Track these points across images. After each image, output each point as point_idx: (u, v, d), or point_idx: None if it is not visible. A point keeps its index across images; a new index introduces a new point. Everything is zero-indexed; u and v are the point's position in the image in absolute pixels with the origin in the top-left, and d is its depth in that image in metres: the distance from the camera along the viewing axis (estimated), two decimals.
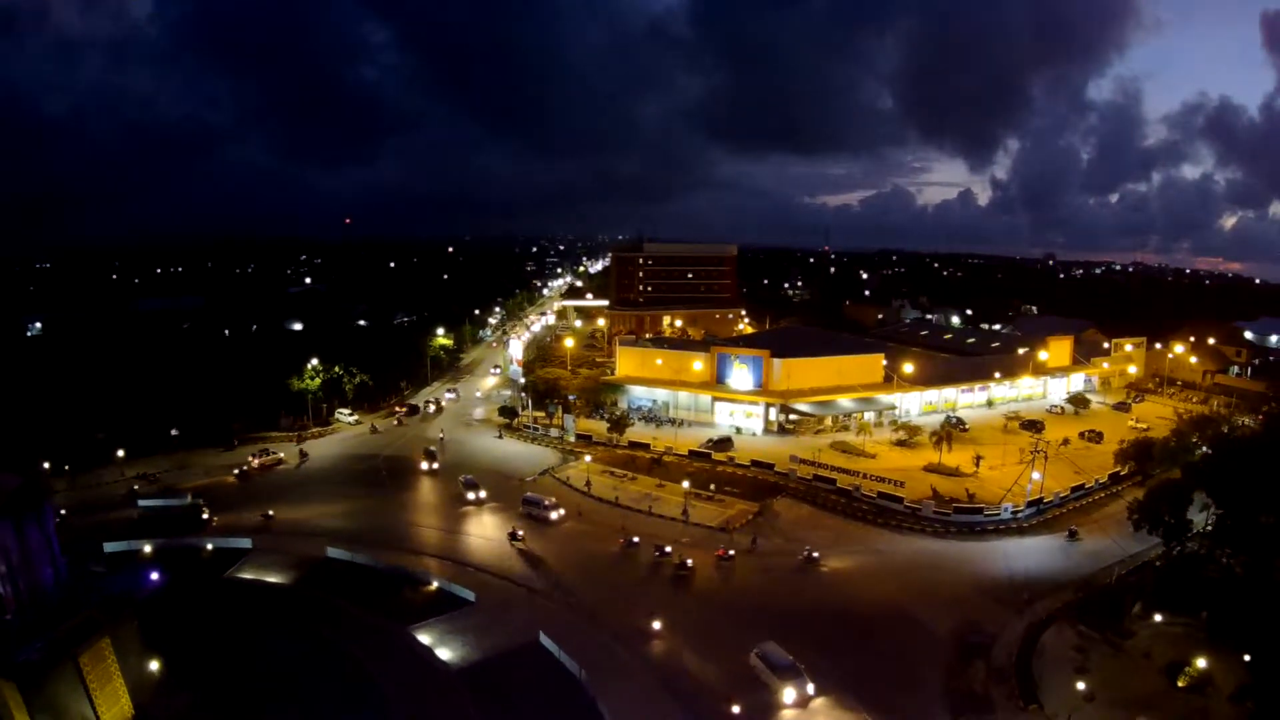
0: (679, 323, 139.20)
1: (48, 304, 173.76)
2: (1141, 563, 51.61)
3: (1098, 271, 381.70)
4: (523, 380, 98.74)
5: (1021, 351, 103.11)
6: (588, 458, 74.85)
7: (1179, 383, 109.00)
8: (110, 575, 41.47)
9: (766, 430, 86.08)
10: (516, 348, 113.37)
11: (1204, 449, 62.33)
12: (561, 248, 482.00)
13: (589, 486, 67.19)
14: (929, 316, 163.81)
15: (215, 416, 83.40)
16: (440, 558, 54.26)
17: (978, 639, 43.54)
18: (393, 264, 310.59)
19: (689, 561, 51.71)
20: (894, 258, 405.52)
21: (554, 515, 59.94)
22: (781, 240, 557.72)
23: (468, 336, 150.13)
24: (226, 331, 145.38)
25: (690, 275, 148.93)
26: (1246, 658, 38.19)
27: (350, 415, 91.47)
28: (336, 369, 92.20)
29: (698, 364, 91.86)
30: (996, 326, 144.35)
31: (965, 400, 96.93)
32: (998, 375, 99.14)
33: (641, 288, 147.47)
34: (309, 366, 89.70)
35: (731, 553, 53.69)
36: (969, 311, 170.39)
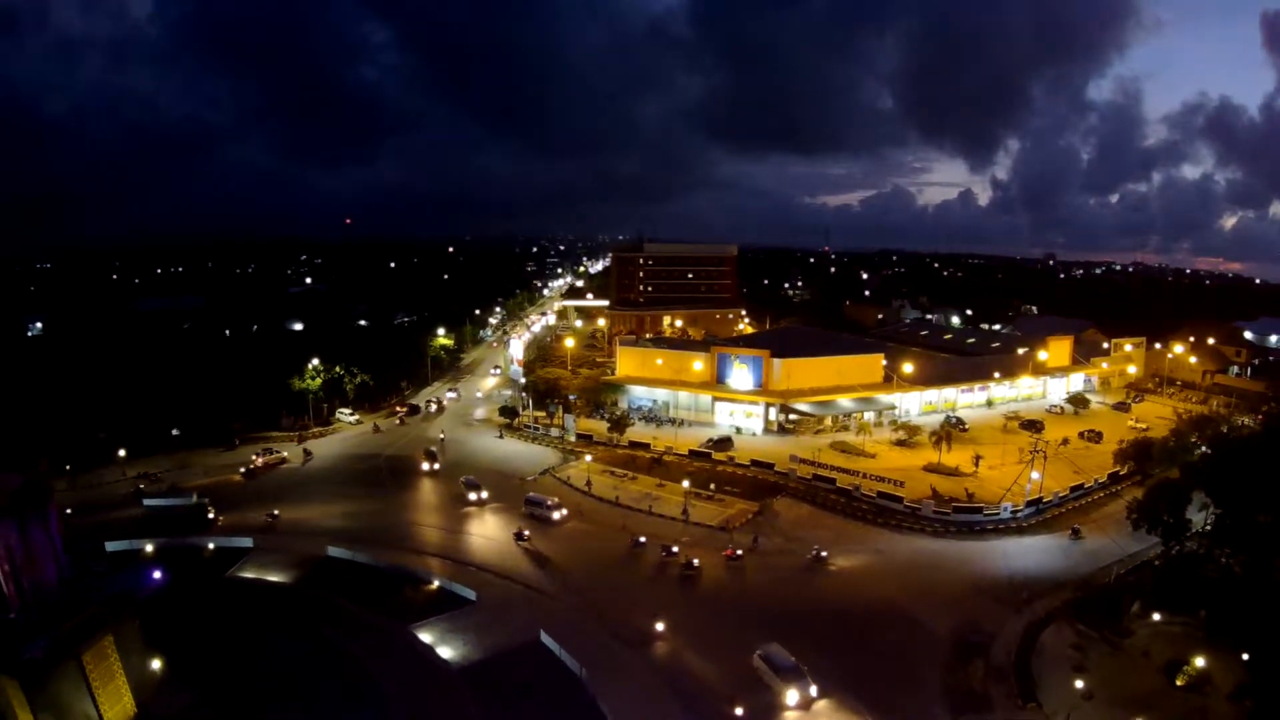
0: (679, 323, 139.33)
1: (48, 304, 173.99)
2: (1140, 562, 51.75)
3: (1098, 271, 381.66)
4: (523, 380, 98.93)
5: (1021, 351, 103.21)
6: (588, 457, 75.01)
7: (1178, 383, 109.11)
8: (113, 574, 41.54)
9: (766, 430, 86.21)
10: (517, 348, 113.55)
11: (1203, 449, 62.47)
12: (562, 248, 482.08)
13: (589, 486, 67.32)
14: (929, 316, 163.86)
15: (216, 416, 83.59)
16: (444, 558, 54.35)
17: (977, 638, 43.67)
18: (393, 264, 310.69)
19: (695, 561, 51.79)
20: (894, 258, 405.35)
21: (556, 515, 60.04)
22: (781, 240, 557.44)
23: (468, 336, 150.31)
24: (227, 331, 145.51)
25: (690, 275, 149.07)
26: (1245, 656, 38.35)
27: (351, 415, 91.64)
28: (337, 369, 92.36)
29: (698, 364, 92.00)
30: (996, 326, 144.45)
31: (965, 400, 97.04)
32: (997, 375, 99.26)
33: (642, 288, 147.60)
34: (310, 366, 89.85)
35: (740, 552, 53.77)
36: (969, 311, 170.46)
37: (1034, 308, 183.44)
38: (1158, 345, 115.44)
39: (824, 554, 53.68)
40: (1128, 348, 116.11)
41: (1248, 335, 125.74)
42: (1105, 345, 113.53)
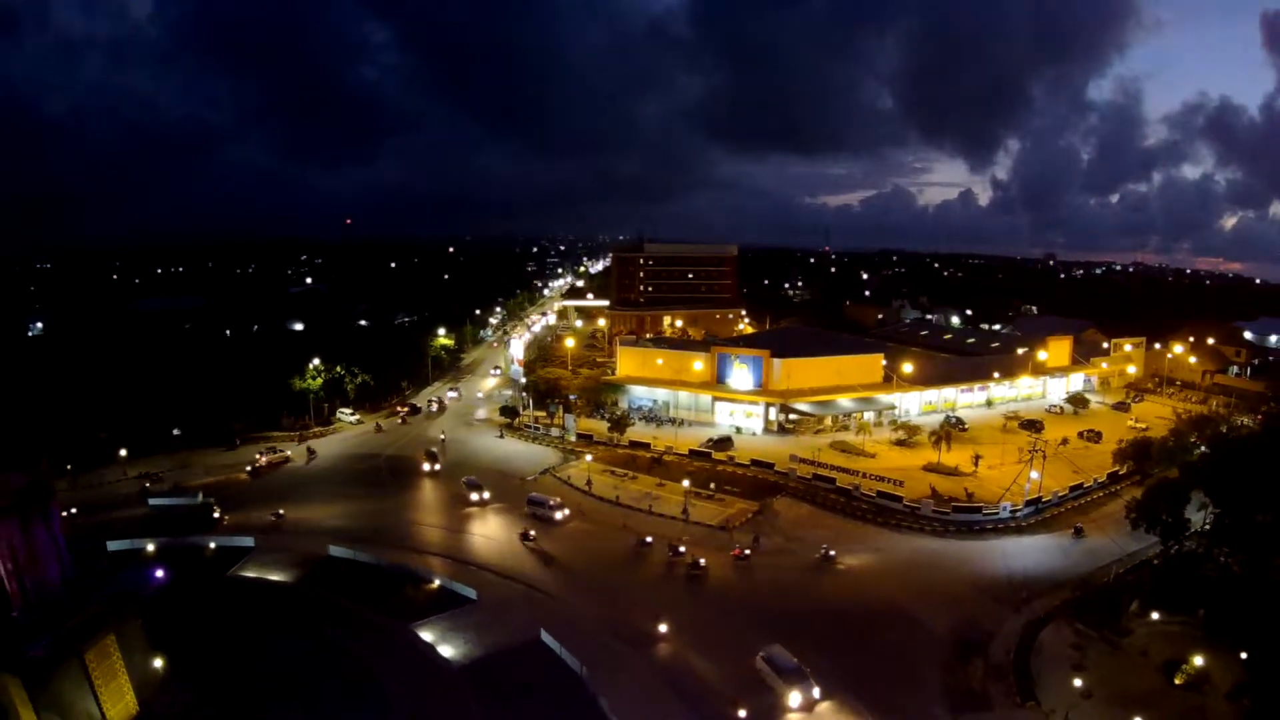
0: (679, 323, 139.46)
1: (49, 304, 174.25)
2: (1139, 561, 51.85)
3: (1098, 272, 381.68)
4: (524, 380, 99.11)
5: (1021, 351, 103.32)
6: (588, 457, 75.19)
7: (1178, 383, 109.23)
8: (115, 573, 41.71)
9: (766, 430, 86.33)
10: (517, 348, 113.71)
11: (1202, 449, 62.61)
12: (562, 248, 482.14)
13: (590, 486, 67.44)
14: (929, 316, 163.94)
15: (216, 416, 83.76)
16: (447, 557, 54.48)
17: (976, 637, 43.79)
18: (393, 264, 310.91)
19: (702, 561, 51.85)
20: (894, 258, 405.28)
21: (559, 515, 60.13)
22: (781, 240, 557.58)
23: (469, 336, 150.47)
24: (227, 331, 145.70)
25: (691, 275, 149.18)
26: (1243, 655, 38.45)
27: (352, 415, 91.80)
28: (338, 369, 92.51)
29: (698, 364, 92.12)
30: (996, 326, 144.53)
31: (965, 400, 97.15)
32: (997, 375, 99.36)
33: (642, 288, 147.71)
34: (310, 366, 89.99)
35: (748, 552, 53.80)
36: (969, 311, 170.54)
37: (1034, 308, 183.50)
38: (1157, 345, 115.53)
39: (832, 553, 53.79)
40: (1127, 348, 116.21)
41: (1247, 335, 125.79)
42: (1105, 345, 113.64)
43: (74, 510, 58.84)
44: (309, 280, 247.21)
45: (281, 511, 60.79)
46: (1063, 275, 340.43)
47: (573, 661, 40.25)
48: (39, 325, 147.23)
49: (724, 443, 78.51)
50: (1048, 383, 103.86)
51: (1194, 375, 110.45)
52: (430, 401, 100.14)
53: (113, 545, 53.58)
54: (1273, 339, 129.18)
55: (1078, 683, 38.50)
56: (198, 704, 37.11)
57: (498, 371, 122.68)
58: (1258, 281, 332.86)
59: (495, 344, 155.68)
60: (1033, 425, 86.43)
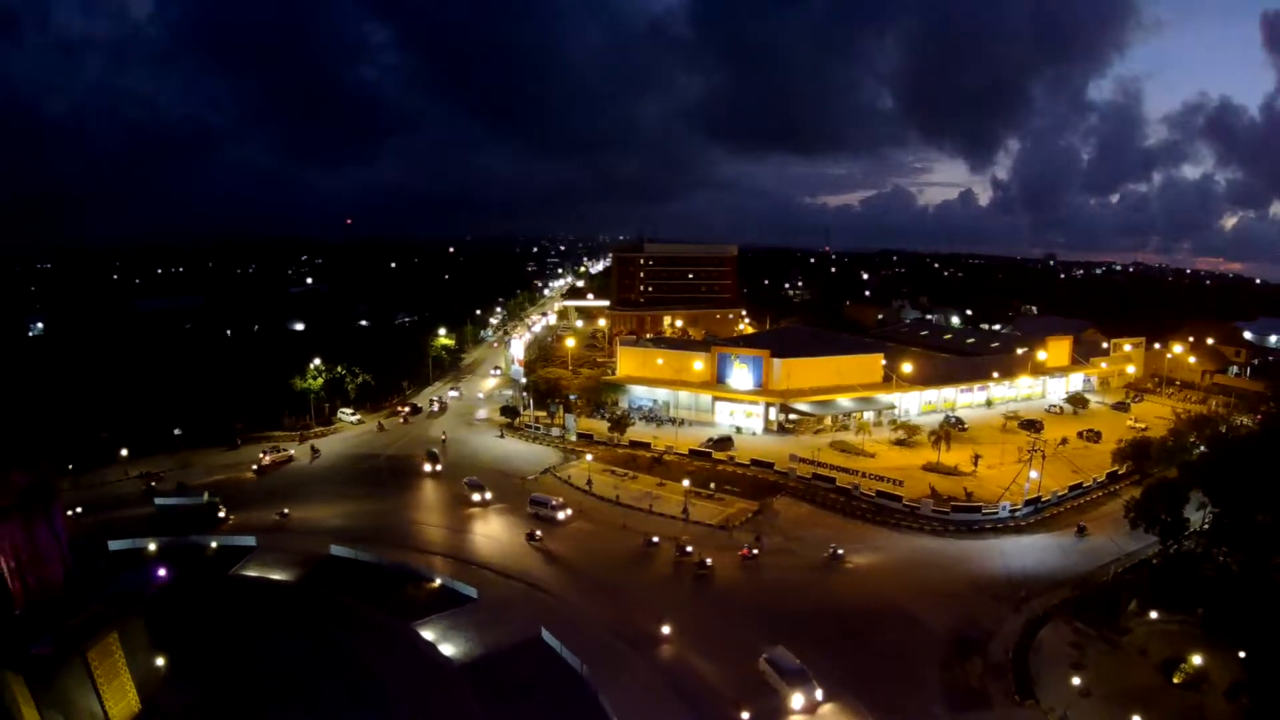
0: (679, 323, 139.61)
1: (49, 304, 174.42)
2: (1138, 561, 51.98)
3: (1098, 272, 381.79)
4: (524, 380, 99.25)
5: (1020, 351, 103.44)
6: (589, 457, 75.34)
7: (1178, 383, 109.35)
8: (118, 572, 41.86)
9: (766, 430, 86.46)
10: (518, 348, 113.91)
11: (1201, 449, 62.74)
12: (562, 248, 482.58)
13: (590, 485, 67.57)
14: (929, 317, 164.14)
15: (217, 416, 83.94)
16: (450, 557, 54.59)
17: (976, 636, 43.92)
18: (394, 264, 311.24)
19: (709, 561, 51.93)
20: (894, 258, 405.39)
21: (561, 515, 60.22)
22: (782, 240, 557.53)
23: (469, 336, 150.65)
24: (228, 332, 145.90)
25: (691, 275, 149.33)
26: (1242, 654, 38.56)
27: (352, 415, 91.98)
28: (339, 369, 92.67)
29: (698, 364, 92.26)
30: (996, 327, 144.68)
31: (964, 400, 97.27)
32: (997, 375, 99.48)
33: (642, 288, 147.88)
34: (311, 366, 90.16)
35: (756, 552, 53.85)
36: (969, 312, 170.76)
37: (1034, 308, 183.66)
38: (1157, 345, 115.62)
39: (840, 551, 53.90)
40: (1127, 348, 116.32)
41: (1247, 335, 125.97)
42: (1105, 345, 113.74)
43: (80, 510, 59.09)
44: (309, 280, 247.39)
45: (286, 511, 60.98)
46: (1063, 275, 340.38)
47: (573, 659, 40.37)
48: (39, 325, 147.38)
49: (724, 442, 78.63)
50: (1047, 383, 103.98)
51: (1194, 375, 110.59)
52: (431, 401, 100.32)
53: (114, 545, 53.71)
54: (1272, 339, 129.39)
55: (1076, 681, 38.63)
56: (199, 703, 37.22)
57: (498, 371, 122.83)
58: (1258, 281, 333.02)
59: (496, 344, 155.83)
60: (1032, 425, 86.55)
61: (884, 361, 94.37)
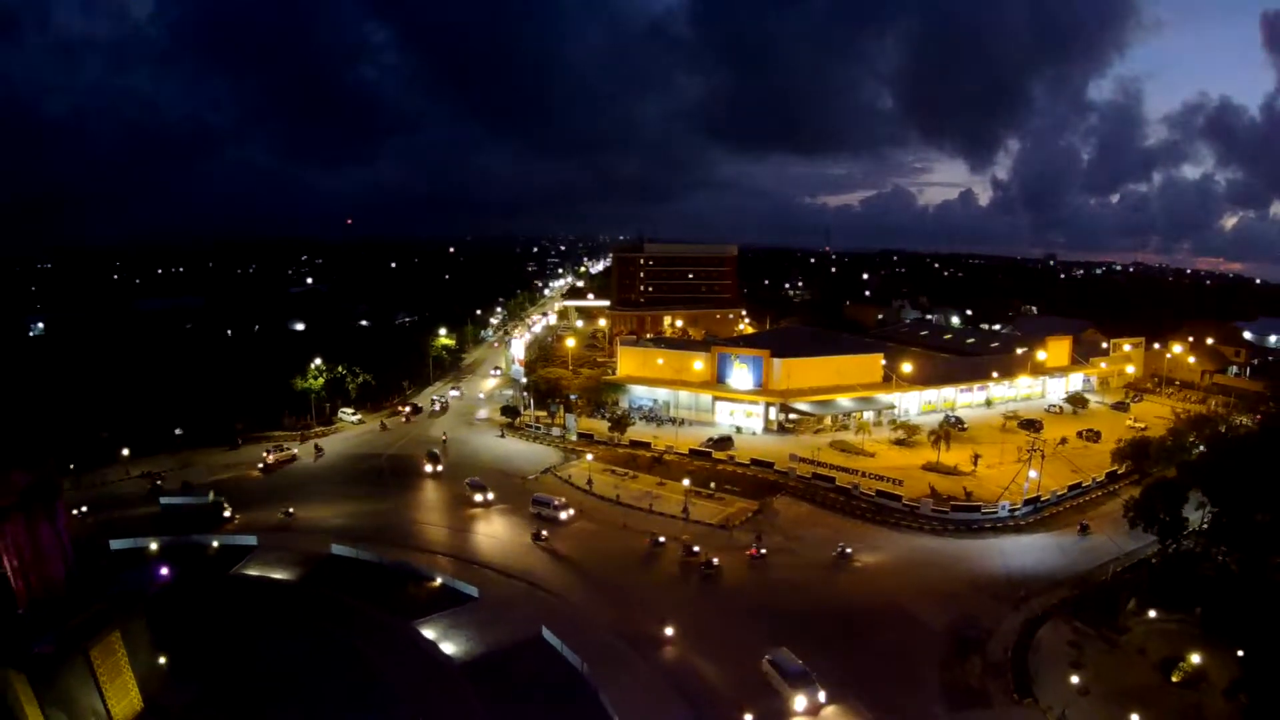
0: (680, 323, 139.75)
1: (50, 304, 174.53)
2: (1137, 560, 52.09)
3: (1098, 272, 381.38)
4: (525, 380, 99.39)
5: (1020, 351, 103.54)
6: (589, 456, 75.45)
7: (1177, 382, 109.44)
8: (120, 571, 41.98)
9: (766, 429, 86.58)
10: (518, 347, 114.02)
11: (1200, 448, 62.81)
12: (562, 248, 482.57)
13: (590, 485, 67.68)
14: (929, 316, 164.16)
15: (218, 416, 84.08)
16: (452, 556, 54.69)
17: (975, 634, 44.00)
18: (394, 264, 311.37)
19: (715, 561, 51.98)
20: (894, 258, 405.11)
21: (563, 515, 60.29)
22: (782, 240, 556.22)
23: (469, 336, 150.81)
24: (229, 331, 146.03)
25: (691, 275, 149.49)
26: (1240, 653, 38.66)
27: (353, 414, 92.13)
28: (339, 369, 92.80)
29: (698, 364, 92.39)
30: (996, 327, 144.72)
31: (964, 400, 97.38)
32: (996, 375, 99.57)
33: (642, 288, 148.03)
34: (312, 366, 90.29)
35: (764, 551, 53.87)
36: (969, 311, 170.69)
37: (1034, 308, 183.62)
38: (1157, 345, 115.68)
39: (849, 550, 53.96)
40: (1127, 348, 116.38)
41: (1247, 335, 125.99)
42: (1104, 345, 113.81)
43: (84, 509, 59.22)
44: (309, 280, 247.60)
45: (291, 510, 61.12)
46: (1063, 275, 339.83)
47: (573, 658, 40.49)
48: (40, 325, 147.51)
49: (724, 442, 78.75)
50: (1047, 382, 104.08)
51: (1193, 375, 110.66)
52: (433, 401, 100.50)
53: (116, 544, 53.86)
54: (1272, 339, 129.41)
55: (1075, 680, 38.72)
56: (201, 701, 37.37)
57: (499, 371, 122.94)
58: (1258, 281, 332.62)
59: (496, 344, 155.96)
60: (1032, 425, 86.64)
61: (884, 361, 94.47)
